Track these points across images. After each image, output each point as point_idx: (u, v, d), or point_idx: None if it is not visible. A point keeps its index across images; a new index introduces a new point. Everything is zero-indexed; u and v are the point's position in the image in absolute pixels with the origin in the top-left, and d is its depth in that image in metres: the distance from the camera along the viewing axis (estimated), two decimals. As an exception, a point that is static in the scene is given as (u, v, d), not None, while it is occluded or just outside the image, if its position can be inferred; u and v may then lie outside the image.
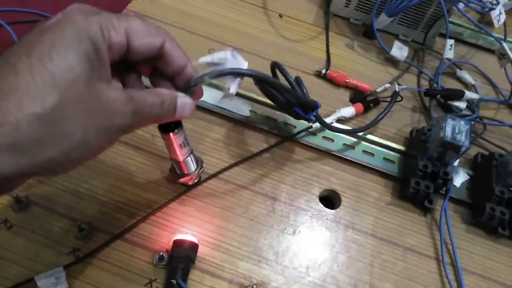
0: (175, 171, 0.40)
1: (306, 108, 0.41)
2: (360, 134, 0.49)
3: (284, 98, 0.40)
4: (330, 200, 0.46)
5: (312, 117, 0.42)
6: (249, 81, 0.44)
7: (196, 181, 0.42)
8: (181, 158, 0.37)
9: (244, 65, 0.37)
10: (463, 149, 0.41)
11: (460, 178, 0.44)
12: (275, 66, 0.42)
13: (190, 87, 0.30)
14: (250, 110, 0.49)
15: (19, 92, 0.21)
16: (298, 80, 0.42)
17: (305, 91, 0.42)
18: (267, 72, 0.41)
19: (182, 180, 0.40)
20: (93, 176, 0.41)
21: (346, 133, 0.48)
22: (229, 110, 0.48)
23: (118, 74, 0.30)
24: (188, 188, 0.42)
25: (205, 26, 0.57)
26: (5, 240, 0.37)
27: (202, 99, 0.48)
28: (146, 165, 0.43)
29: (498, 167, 0.45)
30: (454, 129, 0.41)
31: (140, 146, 0.44)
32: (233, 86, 0.35)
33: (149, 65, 0.31)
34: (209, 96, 0.49)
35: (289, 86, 0.40)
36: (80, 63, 0.23)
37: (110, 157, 0.43)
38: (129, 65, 0.30)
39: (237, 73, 0.34)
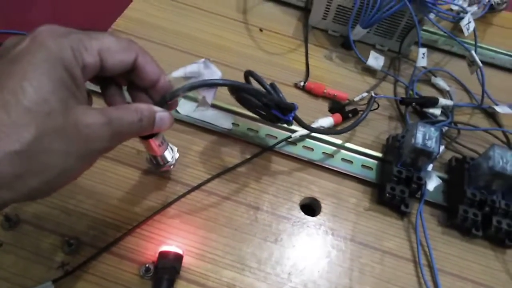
0: (153, 162, 0.41)
1: (284, 110, 0.42)
2: (339, 142, 0.51)
3: (261, 102, 0.41)
4: (311, 207, 0.47)
5: (291, 118, 0.43)
6: (229, 94, 0.46)
7: (172, 167, 0.43)
8: (159, 153, 0.40)
9: (217, 74, 0.38)
10: (433, 154, 0.43)
11: (433, 183, 0.46)
12: (248, 74, 0.43)
13: (165, 102, 0.32)
14: (232, 123, 0.51)
15: None
16: (273, 85, 0.43)
17: (281, 95, 0.43)
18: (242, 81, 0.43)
19: (162, 169, 0.42)
20: (80, 192, 0.43)
21: (324, 134, 0.50)
22: (211, 124, 0.50)
23: (98, 84, 0.31)
24: (172, 200, 0.43)
25: (188, 42, 0.59)
26: (-4, 257, 0.38)
27: (184, 112, 0.50)
28: (131, 179, 0.44)
29: (470, 170, 0.47)
30: (425, 135, 0.43)
31: (125, 161, 0.46)
32: (208, 96, 0.36)
33: (124, 78, 0.32)
34: (192, 109, 0.50)
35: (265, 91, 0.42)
36: (55, 93, 0.23)
37: (96, 173, 0.44)
38: (107, 77, 0.30)
39: (209, 85, 0.34)
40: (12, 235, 0.39)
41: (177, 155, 0.43)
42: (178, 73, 0.36)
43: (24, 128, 0.22)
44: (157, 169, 0.42)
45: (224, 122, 0.50)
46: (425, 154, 0.43)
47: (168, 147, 0.41)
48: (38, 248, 0.39)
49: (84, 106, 0.25)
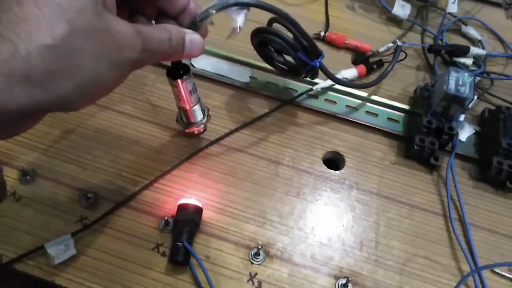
0: (182, 120, 0.40)
1: (310, 54, 0.40)
2: (363, 95, 0.48)
3: (287, 43, 0.39)
4: (334, 162, 0.45)
5: (317, 64, 0.40)
6: (248, 47, 0.45)
7: (202, 131, 0.42)
8: (188, 106, 0.38)
9: None
10: (467, 101, 0.40)
11: (465, 133, 0.43)
12: (273, 20, 0.41)
13: (196, 24, 0.30)
14: (250, 76, 0.48)
15: (27, 24, 0.21)
16: (300, 29, 0.40)
17: (308, 35, 0.40)
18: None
19: (188, 130, 0.41)
20: (96, 147, 0.41)
21: (350, 87, 0.47)
22: (229, 77, 0.48)
23: (127, 19, 0.29)
24: (190, 155, 0.42)
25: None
26: (15, 211, 0.37)
27: (200, 67, 0.48)
28: (148, 134, 0.43)
29: (506, 120, 0.44)
30: (458, 81, 0.40)
31: (140, 116, 0.44)
32: (239, 19, 0.33)
33: (153, 7, 0.31)
34: (208, 63, 0.48)
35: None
36: None
37: (112, 128, 0.43)
38: (136, 9, 0.30)
39: (242, 4, 0.32)
40: (30, 189, 0.39)
41: (209, 117, 0.40)
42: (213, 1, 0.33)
43: (57, 23, 0.21)
44: (183, 128, 0.40)
45: (241, 75, 0.48)
46: (458, 101, 0.40)
47: (200, 106, 0.39)
48: (56, 202, 0.38)
49: (113, 15, 0.24)
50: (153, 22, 0.31)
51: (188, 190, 0.40)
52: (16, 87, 0.20)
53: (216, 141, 0.43)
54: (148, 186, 0.40)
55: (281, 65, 0.45)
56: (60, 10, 0.21)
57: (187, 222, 0.37)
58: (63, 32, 0.21)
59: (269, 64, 0.45)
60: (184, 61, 0.35)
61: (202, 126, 0.41)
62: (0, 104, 0.20)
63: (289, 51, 0.40)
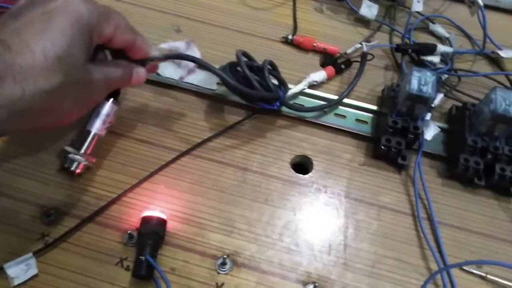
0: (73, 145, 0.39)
1: (270, 101, 0.42)
2: (332, 98, 0.48)
3: (244, 96, 0.42)
4: (302, 166, 0.45)
5: (275, 107, 0.43)
6: (215, 53, 0.49)
7: (80, 171, 0.39)
8: (94, 128, 0.39)
9: (197, 54, 0.47)
10: (430, 100, 0.40)
11: (431, 131, 0.43)
12: (235, 63, 0.43)
13: (143, 65, 0.37)
14: (217, 83, 0.48)
15: (34, 71, 0.26)
16: (264, 66, 0.43)
17: (267, 79, 0.42)
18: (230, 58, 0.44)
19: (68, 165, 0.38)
20: (59, 161, 0.41)
21: (320, 109, 0.47)
22: (195, 85, 0.47)
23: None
24: (158, 168, 0.41)
25: (169, 2, 0.56)
26: (-26, 232, 0.36)
27: (167, 75, 0.47)
28: (114, 146, 0.42)
29: (471, 117, 0.44)
30: (420, 81, 0.40)
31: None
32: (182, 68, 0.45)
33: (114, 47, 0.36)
34: (174, 71, 0.48)
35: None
36: (81, 51, 0.28)
37: (74, 142, 0.42)
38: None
39: (182, 57, 0.39)
40: (-11, 208, 0.38)
41: (84, 162, 0.38)
42: (164, 45, 0.46)
43: (55, 73, 0.27)
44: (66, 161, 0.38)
45: (208, 82, 0.48)
46: (421, 101, 0.40)
47: (94, 140, 0.39)
48: (17, 220, 0.37)
49: (92, 64, 0.31)
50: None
51: (154, 202, 0.40)
52: (15, 119, 0.26)
53: (184, 151, 0.43)
54: (114, 200, 0.39)
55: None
56: (60, 63, 0.27)
57: (151, 234, 0.36)
58: (58, 82, 0.27)
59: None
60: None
61: (82, 164, 0.38)
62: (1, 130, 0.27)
63: (247, 100, 0.43)
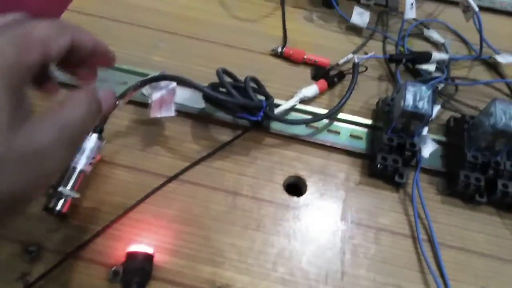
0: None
1: (253, 110, 0.40)
2: (324, 113, 0.46)
3: (225, 107, 0.40)
4: (296, 187, 0.43)
5: (260, 118, 0.40)
6: (202, 69, 0.47)
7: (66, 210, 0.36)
8: (80, 164, 0.36)
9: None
10: (426, 117, 0.38)
11: (428, 148, 0.41)
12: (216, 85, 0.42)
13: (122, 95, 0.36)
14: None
15: None
16: (247, 81, 0.41)
17: (249, 92, 0.40)
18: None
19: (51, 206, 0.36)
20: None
21: (307, 123, 0.45)
22: (182, 104, 0.45)
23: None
24: (145, 196, 0.39)
25: (150, 16, 0.54)
26: (-50, 274, 0.35)
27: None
28: (96, 174, 0.40)
29: (470, 130, 0.42)
30: (416, 96, 0.38)
31: (87, 155, 0.42)
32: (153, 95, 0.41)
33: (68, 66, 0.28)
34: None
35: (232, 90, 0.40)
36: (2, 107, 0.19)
37: (55, 172, 0.40)
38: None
39: (160, 79, 0.39)
40: (-34, 248, 0.36)
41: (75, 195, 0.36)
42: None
43: None
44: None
45: (195, 101, 0.46)
46: (417, 117, 0.38)
47: (78, 179, 0.36)
48: (-5, 260, 0.35)
49: (29, 121, 0.21)
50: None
51: (140, 233, 0.38)
52: None
53: (171, 177, 0.41)
54: (98, 233, 0.37)
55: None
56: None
57: (136, 271, 0.34)
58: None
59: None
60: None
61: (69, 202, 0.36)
62: None
63: (230, 113, 0.41)
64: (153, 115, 0.40)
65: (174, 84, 0.40)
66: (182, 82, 0.39)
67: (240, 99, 0.39)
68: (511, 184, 0.40)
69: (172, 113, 0.40)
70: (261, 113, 0.40)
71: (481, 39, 0.49)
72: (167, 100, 0.40)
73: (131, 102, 0.44)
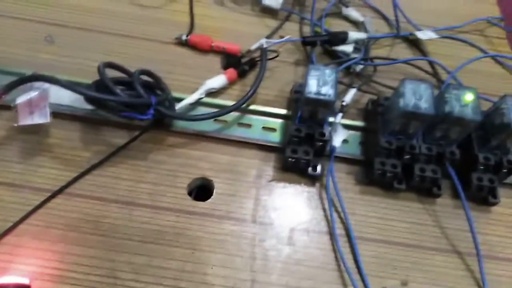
0: None
1: (141, 107, 0.35)
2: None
3: (108, 107, 0.36)
4: (202, 190, 0.39)
5: (150, 116, 0.35)
6: (90, 63, 0.43)
7: None
8: None
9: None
10: (331, 103, 0.34)
11: (340, 136, 0.38)
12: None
13: None
14: (98, 101, 0.40)
15: None
16: (134, 75, 0.37)
17: (137, 87, 0.36)
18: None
19: None
20: None
21: (212, 118, 0.40)
22: (69, 106, 0.40)
23: None
24: (24, 215, 0.34)
25: (39, 8, 0.47)
26: None
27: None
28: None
29: (384, 113, 0.39)
30: (319, 81, 0.35)
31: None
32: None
33: None
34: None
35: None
36: None
37: None
38: None
39: (33, 80, 0.34)
40: None
41: None
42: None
43: None
44: None
45: (83, 101, 0.40)
46: (322, 104, 0.35)
47: None
48: None
49: None
50: None
51: (16, 260, 0.32)
52: None
53: (56, 192, 0.36)
54: (-41, 266, 0.32)
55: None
56: None
57: (4, 309, 0.29)
58: None
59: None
60: None
61: None
62: None
63: (114, 114, 0.36)
64: (22, 122, 0.34)
65: (47, 85, 0.35)
66: (55, 82, 0.34)
67: (123, 96, 0.34)
68: (429, 168, 0.37)
69: (47, 118, 0.35)
70: (151, 111, 0.35)
71: (396, 15, 0.47)
72: (39, 103, 0.34)
73: (3, 107, 0.38)
